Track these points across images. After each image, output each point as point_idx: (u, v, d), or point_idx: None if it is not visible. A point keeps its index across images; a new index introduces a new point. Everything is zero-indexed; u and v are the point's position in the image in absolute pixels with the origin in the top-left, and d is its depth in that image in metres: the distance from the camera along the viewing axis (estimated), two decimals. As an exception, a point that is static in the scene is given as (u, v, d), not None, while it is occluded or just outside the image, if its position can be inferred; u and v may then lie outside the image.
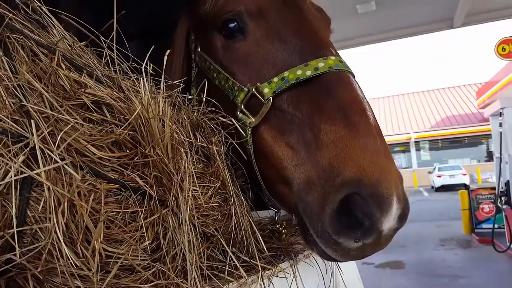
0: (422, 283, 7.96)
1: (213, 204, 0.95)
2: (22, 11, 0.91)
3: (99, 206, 0.73)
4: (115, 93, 0.84)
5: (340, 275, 1.50)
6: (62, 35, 0.89)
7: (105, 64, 0.96)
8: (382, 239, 0.89)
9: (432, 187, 29.65)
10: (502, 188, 9.26)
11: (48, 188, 0.68)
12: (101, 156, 0.77)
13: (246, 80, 1.13)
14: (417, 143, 36.97)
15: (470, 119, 35.81)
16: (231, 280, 0.91)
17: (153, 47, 0.93)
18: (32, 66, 0.80)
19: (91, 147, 0.76)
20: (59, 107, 0.75)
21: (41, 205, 0.68)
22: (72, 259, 0.67)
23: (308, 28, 1.15)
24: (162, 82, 0.91)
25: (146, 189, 0.80)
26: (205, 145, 0.98)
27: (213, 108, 1.12)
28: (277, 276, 1.05)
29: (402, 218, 0.89)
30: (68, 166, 0.71)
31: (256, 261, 0.99)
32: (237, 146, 1.08)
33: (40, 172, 0.68)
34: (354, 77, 1.10)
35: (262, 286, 0.96)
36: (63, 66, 0.83)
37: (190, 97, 1.13)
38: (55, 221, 0.66)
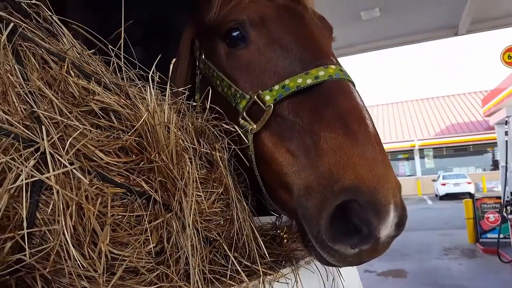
0: (425, 293, 7.92)
1: (215, 209, 0.97)
2: (33, 20, 0.95)
3: (105, 210, 0.75)
4: (122, 100, 0.87)
5: (341, 282, 1.51)
6: (72, 43, 0.92)
7: (112, 72, 0.99)
8: (379, 246, 0.90)
9: (436, 195, 29.45)
10: (507, 197, 9.17)
11: (57, 192, 0.70)
12: (108, 161, 0.80)
13: (248, 87, 1.16)
14: (421, 150, 36.79)
15: (476, 127, 35.64)
16: (233, 284, 0.93)
17: (159, 56, 0.95)
18: (43, 74, 0.83)
19: (98, 152, 0.78)
20: (68, 114, 0.78)
21: (50, 208, 0.70)
22: (79, 261, 0.69)
23: (309, 37, 1.18)
24: (167, 89, 0.94)
25: (151, 193, 0.83)
26: (208, 151, 1.01)
27: (216, 115, 1.14)
28: (278, 281, 1.06)
29: (400, 225, 0.91)
30: (77, 171, 0.74)
31: (258, 266, 1.00)
32: (239, 152, 1.10)
33: (50, 176, 0.70)
34: (354, 85, 1.13)
35: (263, 291, 0.98)
36: (72, 74, 0.86)
37: (194, 104, 1.15)
38: (63, 223, 0.69)
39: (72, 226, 0.70)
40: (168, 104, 0.90)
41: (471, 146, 35.91)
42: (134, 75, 1.03)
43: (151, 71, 0.94)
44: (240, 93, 1.16)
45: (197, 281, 0.83)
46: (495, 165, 34.72)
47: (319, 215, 0.91)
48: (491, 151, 35.23)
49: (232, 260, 0.95)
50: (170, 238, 0.83)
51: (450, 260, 10.21)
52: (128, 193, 0.81)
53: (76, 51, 0.95)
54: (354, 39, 9.31)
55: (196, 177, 0.88)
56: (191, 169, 0.87)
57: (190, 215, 0.83)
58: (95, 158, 0.78)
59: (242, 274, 0.94)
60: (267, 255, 1.05)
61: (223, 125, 1.08)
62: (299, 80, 1.06)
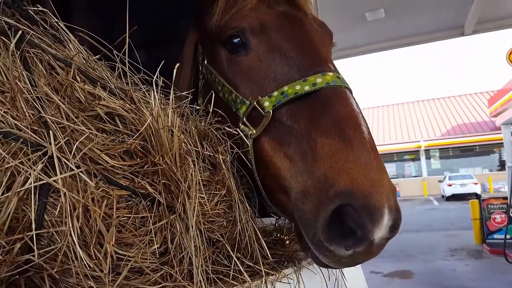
0: (431, 293, 7.89)
1: (218, 211, 0.99)
2: (40, 27, 0.97)
3: (111, 211, 0.77)
4: (127, 104, 0.89)
5: (344, 283, 1.53)
6: (78, 49, 0.95)
7: (117, 76, 1.01)
8: (373, 248, 0.93)
9: (443, 196, 29.29)
10: (515, 197, 9.11)
11: (64, 194, 0.73)
12: (114, 164, 0.82)
13: (248, 93, 1.19)
14: (427, 151, 36.56)
15: (482, 128, 35.38)
16: (236, 284, 0.95)
17: (164, 59, 0.98)
18: (50, 79, 0.85)
19: (104, 155, 0.81)
20: (74, 118, 0.80)
21: (57, 210, 0.72)
22: (85, 261, 0.71)
23: (309, 44, 1.20)
24: (171, 94, 0.96)
25: (155, 195, 0.85)
26: (211, 154, 1.03)
27: (219, 118, 1.17)
28: (280, 281, 1.08)
29: (394, 228, 0.93)
30: (83, 174, 0.76)
31: (260, 266, 1.02)
32: (242, 156, 1.12)
33: (57, 179, 0.72)
34: (351, 92, 1.15)
35: (266, 291, 1.00)
36: (79, 79, 0.89)
37: (198, 107, 1.18)
38: (70, 225, 0.71)
39: (78, 228, 0.72)
40: (172, 108, 0.92)
41: (477, 147, 35.63)
42: (138, 79, 1.05)
43: (155, 76, 0.96)
44: (241, 99, 1.18)
45: (200, 281, 0.85)
46: (501, 166, 34.40)
47: (315, 219, 0.93)
48: (498, 152, 34.92)
49: (234, 261, 0.97)
50: (174, 239, 0.85)
51: (456, 261, 10.15)
52: (133, 195, 0.83)
53: (82, 57, 0.97)
54: (359, 40, 9.31)
55: (199, 179, 0.90)
56: (194, 171, 0.89)
57: (193, 217, 0.85)
58: (101, 162, 0.81)
59: (245, 274, 0.96)
60: (269, 255, 1.06)
61: (226, 128, 1.10)
62: (297, 87, 1.09)
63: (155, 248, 0.82)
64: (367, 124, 1.06)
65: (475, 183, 27.17)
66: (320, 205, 0.93)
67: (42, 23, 0.96)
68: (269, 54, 1.20)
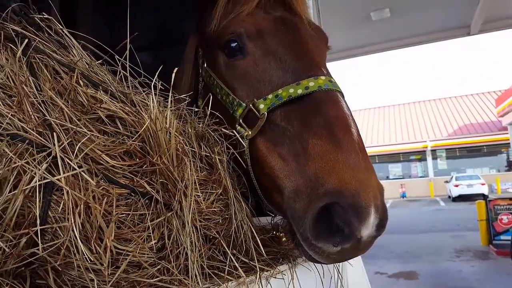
0: (436, 295, 7.86)
1: (215, 209, 1.03)
2: (45, 33, 1.03)
3: (111, 209, 0.82)
4: (127, 107, 0.94)
5: (340, 280, 1.56)
6: (81, 54, 1.00)
7: (119, 80, 1.06)
8: (361, 245, 0.97)
9: (449, 196, 29.09)
10: (522, 198, 9.06)
11: (67, 192, 0.77)
12: (114, 164, 0.87)
13: (245, 96, 1.24)
14: (433, 151, 36.31)
15: (489, 128, 35.06)
16: (231, 279, 0.99)
17: (167, 60, 1.02)
18: (54, 84, 0.90)
19: (105, 156, 0.85)
20: (77, 121, 0.85)
21: (60, 207, 0.77)
22: (86, 255, 0.76)
23: (303, 49, 1.25)
24: (170, 96, 1.00)
25: (153, 194, 0.89)
26: (208, 154, 1.07)
27: (217, 120, 1.21)
28: (275, 277, 1.12)
29: (380, 226, 0.97)
30: (85, 173, 0.81)
31: (255, 262, 1.06)
32: (238, 156, 1.17)
33: (61, 178, 0.77)
34: (342, 95, 1.20)
35: (260, 286, 1.04)
36: (81, 83, 0.94)
37: (196, 109, 1.22)
38: (72, 221, 0.76)
39: (80, 224, 0.77)
40: (170, 111, 0.97)
41: (484, 147, 35.32)
42: (139, 82, 1.10)
43: (154, 79, 1.01)
44: (237, 101, 1.23)
45: (196, 275, 0.89)
46: (509, 166, 34.09)
47: (304, 216, 0.98)
48: (506, 152, 34.60)
49: (230, 257, 1.01)
50: (171, 235, 0.90)
51: (462, 262, 10.09)
52: (132, 194, 0.88)
53: (85, 61, 1.02)
54: (364, 40, 9.29)
55: (195, 179, 0.95)
56: (191, 171, 0.94)
57: (189, 214, 0.90)
58: (101, 162, 0.85)
59: (239, 269, 1.00)
60: (263, 252, 1.10)
61: (222, 129, 1.15)
62: (291, 90, 1.13)
63: (152, 244, 0.87)
64: (357, 126, 1.11)
65: (482, 184, 26.94)
66: (310, 203, 0.97)
67: (47, 29, 1.01)
68: (265, 58, 1.25)
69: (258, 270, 1.05)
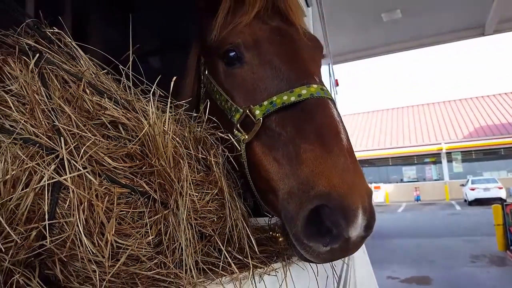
0: (450, 301, 7.76)
1: (210, 208, 1.10)
2: (56, 45, 1.12)
3: (112, 206, 0.90)
4: (129, 113, 1.02)
5: (334, 280, 1.61)
6: (88, 65, 1.09)
7: (122, 88, 1.15)
8: (350, 245, 1.03)
9: (465, 200, 28.59)
10: (541, 202, 8.87)
11: (73, 191, 0.86)
12: (116, 165, 0.95)
13: (242, 102, 1.31)
14: (448, 154, 35.71)
15: (507, 129, 34.31)
16: (224, 274, 1.06)
17: (159, 76, 1.10)
18: (63, 92, 0.99)
19: (107, 158, 0.94)
20: (83, 126, 0.94)
21: (67, 204, 0.86)
22: (89, 248, 0.84)
23: (297, 58, 1.32)
24: (168, 103, 1.08)
25: (152, 193, 0.97)
26: (204, 157, 1.15)
27: (215, 124, 1.29)
28: (268, 274, 1.18)
29: (368, 227, 1.03)
30: (89, 174, 0.89)
31: (249, 259, 1.13)
32: (235, 159, 1.24)
33: (67, 178, 0.86)
34: (333, 102, 1.26)
35: (253, 282, 1.11)
36: (88, 91, 1.02)
37: (195, 115, 1.30)
38: (77, 217, 0.84)
39: (84, 219, 0.85)
40: (169, 117, 1.05)
41: (502, 149, 34.56)
42: (142, 90, 1.18)
43: (153, 87, 1.09)
44: (235, 107, 1.31)
45: (190, 269, 0.97)
46: (528, 170, 33.31)
47: (297, 217, 1.04)
48: (525, 155, 33.83)
49: (224, 253, 1.08)
50: (167, 231, 0.97)
51: (477, 268, 9.91)
52: (132, 193, 0.96)
53: (92, 71, 1.11)
54: (375, 41, 9.29)
55: (190, 179, 1.02)
56: (187, 172, 1.02)
57: (185, 212, 0.97)
58: (104, 163, 0.94)
59: (233, 265, 1.07)
60: (256, 249, 1.17)
61: (219, 133, 1.23)
62: (285, 97, 1.20)
63: (150, 239, 0.94)
64: (346, 132, 1.18)
65: (500, 188, 26.37)
66: (301, 205, 1.04)
67: (58, 42, 1.11)
68: (261, 67, 1.32)
69: (252, 266, 1.12)
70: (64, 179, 0.85)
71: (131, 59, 1.10)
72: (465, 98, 44.73)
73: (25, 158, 0.83)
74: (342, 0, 6.84)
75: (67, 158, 0.87)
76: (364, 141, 39.98)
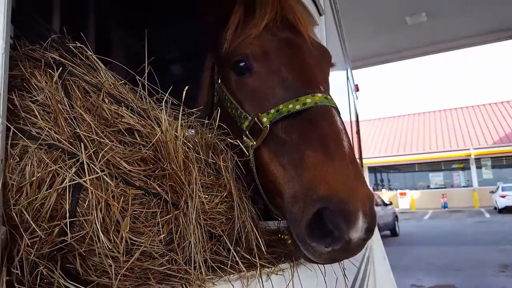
0: (476, 311, 7.52)
1: (219, 210, 1.17)
2: (78, 59, 1.22)
3: (127, 206, 0.98)
4: (143, 121, 1.10)
5: (346, 283, 1.64)
6: (107, 76, 1.18)
7: (139, 97, 1.23)
8: (351, 247, 1.07)
9: (495, 208, 27.57)
10: None
11: (92, 192, 0.94)
12: (131, 169, 1.03)
13: (251, 110, 1.39)
14: (477, 160, 34.53)
15: (540, 135, 32.94)
16: (233, 272, 1.12)
17: (171, 87, 1.18)
18: (84, 102, 1.08)
19: (123, 162, 1.02)
20: (101, 133, 1.02)
21: (86, 204, 0.94)
22: (106, 244, 0.92)
23: (303, 68, 1.38)
24: (180, 111, 1.16)
25: (163, 195, 1.05)
26: (214, 161, 1.22)
27: (225, 131, 1.35)
28: (276, 274, 1.24)
29: (369, 230, 1.08)
30: (106, 176, 0.97)
31: (256, 259, 1.18)
32: (244, 164, 1.31)
33: (87, 180, 0.94)
34: (337, 110, 1.32)
35: (260, 281, 1.16)
36: (107, 101, 1.11)
37: (207, 121, 1.37)
38: (95, 215, 0.92)
39: (101, 218, 0.93)
40: (181, 124, 1.12)
41: (535, 156, 33.19)
42: (158, 99, 1.27)
43: (166, 96, 1.17)
44: (244, 115, 1.38)
45: (199, 266, 1.03)
46: None
47: (300, 219, 1.10)
48: (559, 161, 32.32)
49: (232, 253, 1.14)
50: (178, 230, 1.04)
51: (506, 278, 9.55)
52: (145, 194, 1.04)
53: (111, 82, 1.20)
54: (399, 45, 9.19)
55: (199, 182, 1.09)
56: (196, 176, 1.09)
57: (194, 213, 1.04)
58: (120, 167, 1.02)
59: (241, 264, 1.13)
60: (264, 249, 1.23)
61: (228, 139, 1.29)
62: (290, 106, 1.27)
63: (162, 237, 1.02)
64: (348, 139, 1.23)
65: (532, 195, 25.34)
66: (304, 208, 1.10)
67: (80, 55, 1.21)
68: (269, 77, 1.39)
69: (259, 266, 1.17)
70: (84, 181, 0.94)
71: (146, 71, 1.18)
72: (495, 102, 43.18)
73: (49, 162, 0.92)
74: (366, 5, 6.84)
75: (86, 162, 0.96)
76: (390, 147, 39.26)
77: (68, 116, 1.00)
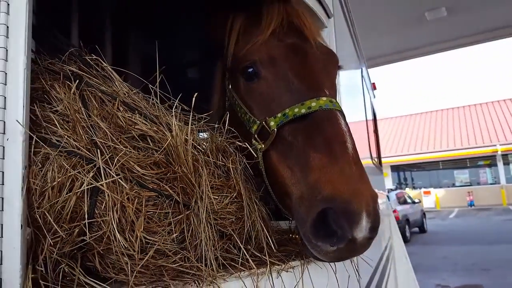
0: (503, 311, 7.32)
1: (229, 210, 1.22)
2: (94, 69, 1.29)
3: (141, 207, 1.05)
4: (155, 127, 1.17)
5: (358, 280, 1.66)
6: (121, 86, 1.25)
7: (151, 104, 1.30)
8: (357, 246, 1.11)
9: (525, 205, 26.63)
10: None
11: (108, 194, 1.01)
12: (144, 172, 1.10)
13: (259, 114, 1.44)
14: (505, 156, 33.38)
15: None
16: (243, 269, 1.17)
17: (180, 95, 1.24)
18: (100, 110, 1.15)
19: (137, 166, 1.09)
20: (116, 140, 1.09)
21: (103, 206, 1.01)
22: (122, 243, 0.98)
23: (309, 72, 1.43)
24: (190, 117, 1.22)
25: (175, 196, 1.11)
26: (223, 164, 1.27)
27: (235, 134, 1.41)
28: (286, 271, 1.28)
29: (373, 229, 1.11)
30: (121, 180, 1.04)
31: (266, 256, 1.23)
32: (253, 166, 1.36)
33: (103, 183, 1.01)
34: (341, 113, 1.36)
35: (270, 278, 1.20)
36: (121, 109, 1.18)
37: (217, 126, 1.43)
38: (111, 216, 0.99)
39: (117, 218, 1.00)
40: (190, 129, 1.18)
41: None
42: (169, 105, 1.33)
43: (176, 102, 1.24)
44: (253, 119, 1.43)
45: (211, 263, 1.09)
46: None
47: (306, 219, 1.14)
48: None
49: (243, 251, 1.19)
50: (190, 230, 1.10)
51: (536, 277, 9.26)
52: (158, 196, 1.10)
53: (125, 91, 1.27)
54: (418, 41, 9.04)
55: (208, 184, 1.15)
56: (206, 177, 1.14)
57: (204, 213, 1.10)
58: (134, 171, 1.08)
59: (251, 262, 1.18)
60: (274, 247, 1.27)
61: (237, 143, 1.35)
62: (296, 110, 1.31)
63: (174, 236, 1.08)
64: (352, 141, 1.27)
65: None
66: (310, 208, 1.14)
67: (96, 67, 1.28)
68: (276, 82, 1.44)
69: (269, 263, 1.22)
70: (101, 185, 1.01)
71: (158, 80, 1.25)
72: (522, 95, 41.66)
73: (68, 167, 0.99)
74: (383, 1, 6.78)
75: (103, 167, 1.03)
76: (412, 144, 38.47)
77: (86, 125, 1.07)
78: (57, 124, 1.04)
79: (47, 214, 0.94)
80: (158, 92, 1.27)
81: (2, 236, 0.85)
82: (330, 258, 1.18)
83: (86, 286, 0.94)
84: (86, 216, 0.98)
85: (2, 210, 0.85)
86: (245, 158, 1.36)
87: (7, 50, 0.90)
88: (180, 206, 1.12)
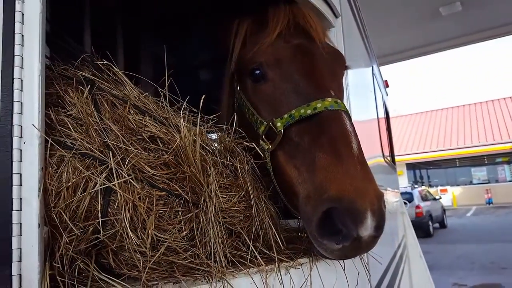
0: (522, 310, 7.17)
1: (237, 208, 1.25)
2: (106, 74, 1.34)
3: (152, 206, 1.09)
4: (164, 129, 1.21)
5: (368, 278, 1.67)
6: (132, 89, 1.30)
7: (161, 106, 1.34)
8: (362, 244, 1.13)
9: (546, 202, 25.96)
10: None
11: (120, 194, 1.05)
12: (154, 173, 1.14)
13: (266, 115, 1.47)
14: (524, 152, 32.65)
15: None
16: (252, 266, 1.20)
17: (188, 98, 1.28)
18: (112, 114, 1.20)
19: (147, 167, 1.13)
20: (127, 142, 1.13)
21: (116, 205, 1.05)
22: (134, 240, 1.02)
23: (315, 73, 1.45)
24: (198, 118, 1.26)
25: (184, 195, 1.14)
26: (231, 164, 1.30)
27: (243, 135, 1.44)
28: (295, 268, 1.30)
29: (378, 228, 1.13)
30: (133, 180, 1.08)
31: (274, 254, 1.25)
32: (261, 166, 1.38)
33: (116, 184, 1.05)
34: (347, 114, 1.37)
35: (278, 274, 1.23)
36: (132, 112, 1.23)
37: (224, 127, 1.46)
38: (124, 215, 1.03)
39: (129, 217, 1.04)
40: (198, 130, 1.22)
41: None
42: (178, 107, 1.37)
43: (183, 105, 1.28)
44: (260, 120, 1.46)
45: (220, 260, 1.12)
46: None
47: (312, 217, 1.17)
48: None
49: (251, 248, 1.22)
50: (199, 227, 1.13)
51: (556, 276, 9.04)
52: (168, 195, 1.14)
53: (135, 94, 1.32)
54: (433, 37, 8.91)
55: (216, 183, 1.18)
56: (214, 177, 1.18)
57: (212, 211, 1.13)
58: (145, 171, 1.13)
59: (259, 258, 1.21)
60: (282, 245, 1.30)
61: (244, 143, 1.38)
62: (302, 111, 1.34)
63: (184, 234, 1.12)
64: (357, 141, 1.29)
65: None
66: (316, 207, 1.17)
67: (107, 71, 1.33)
68: (282, 83, 1.46)
69: (277, 260, 1.24)
70: (113, 185, 1.05)
71: (167, 83, 1.28)
72: (541, 90, 40.49)
73: (82, 168, 1.04)
74: (396, -1, 6.71)
75: (115, 168, 1.07)
76: (428, 142, 37.88)
77: (98, 128, 1.12)
78: (71, 128, 1.09)
79: (63, 213, 0.98)
80: (167, 95, 1.31)
81: (21, 235, 0.89)
82: (335, 256, 1.20)
83: (101, 282, 0.98)
84: (99, 215, 1.02)
85: (21, 210, 0.90)
86: (253, 158, 1.39)
87: (22, 57, 0.94)
88: (189, 205, 1.15)
